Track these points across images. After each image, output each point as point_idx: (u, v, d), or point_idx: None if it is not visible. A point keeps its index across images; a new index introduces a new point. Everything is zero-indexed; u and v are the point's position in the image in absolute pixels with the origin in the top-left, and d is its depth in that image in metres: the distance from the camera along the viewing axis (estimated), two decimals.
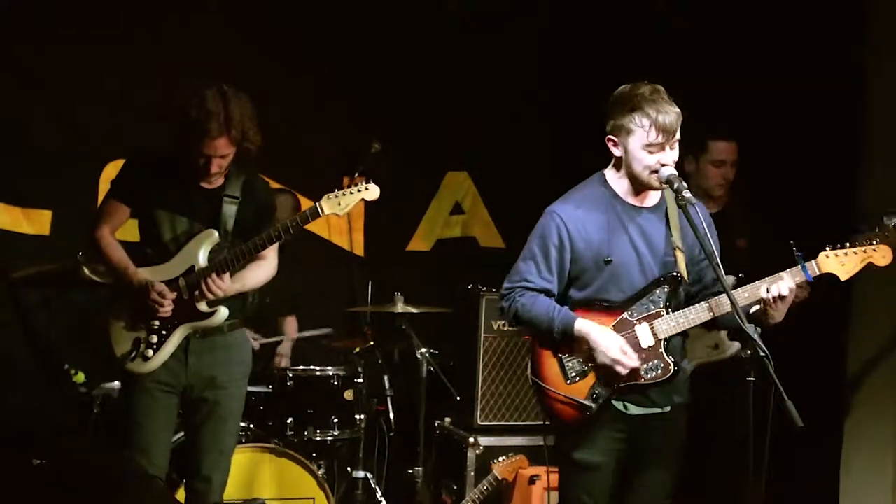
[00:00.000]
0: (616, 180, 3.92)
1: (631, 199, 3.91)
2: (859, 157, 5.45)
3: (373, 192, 4.38)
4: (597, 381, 3.84)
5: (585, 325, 3.82)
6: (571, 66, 6.20)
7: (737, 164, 5.17)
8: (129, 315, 4.30)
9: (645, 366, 3.84)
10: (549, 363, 3.90)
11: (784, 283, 3.76)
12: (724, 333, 4.95)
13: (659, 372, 3.86)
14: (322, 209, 4.32)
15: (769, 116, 5.62)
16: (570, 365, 3.87)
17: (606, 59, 5.94)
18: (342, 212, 4.36)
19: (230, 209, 4.34)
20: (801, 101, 5.53)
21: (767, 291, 3.76)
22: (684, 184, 3.76)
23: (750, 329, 3.66)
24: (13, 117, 5.51)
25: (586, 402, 3.83)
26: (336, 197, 4.33)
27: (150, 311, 4.26)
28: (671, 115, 3.77)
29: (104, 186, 5.56)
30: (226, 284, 4.29)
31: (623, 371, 3.79)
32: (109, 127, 5.58)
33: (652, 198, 3.94)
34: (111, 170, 5.65)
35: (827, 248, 3.81)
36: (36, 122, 5.58)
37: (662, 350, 3.86)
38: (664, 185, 3.81)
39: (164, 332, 4.29)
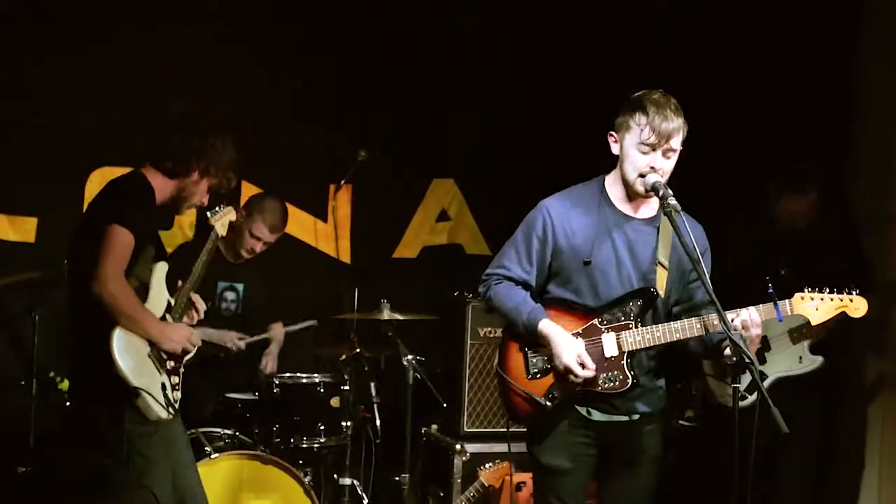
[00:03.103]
0: (612, 185, 3.93)
1: (623, 207, 3.91)
2: (850, 159, 5.51)
3: (233, 213, 4.44)
4: (555, 382, 3.86)
5: (549, 328, 3.82)
6: (568, 68, 6.19)
7: (816, 203, 5.15)
8: (149, 364, 4.05)
9: (604, 375, 3.84)
10: (515, 356, 3.93)
11: (752, 316, 3.72)
12: (807, 347, 5.05)
13: (616, 384, 3.85)
14: (219, 232, 4.36)
15: (765, 116, 5.66)
16: (534, 361, 3.89)
17: (605, 62, 5.95)
18: (224, 231, 4.38)
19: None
20: (797, 102, 5.57)
21: (732, 321, 3.72)
22: (669, 191, 3.76)
23: (736, 336, 3.67)
24: None
25: (541, 400, 3.85)
26: (218, 218, 4.36)
27: (178, 353, 4.13)
28: (671, 122, 3.77)
29: (90, 193, 5.53)
30: (203, 305, 4.30)
31: (574, 379, 3.79)
32: (95, 133, 5.56)
33: (647, 209, 3.93)
34: (97, 177, 5.63)
35: (805, 290, 3.83)
36: (21, 129, 5.55)
37: (624, 363, 3.85)
38: (650, 192, 3.82)
39: (179, 370, 4.18)
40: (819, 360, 5.05)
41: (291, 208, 6.10)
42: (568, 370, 3.79)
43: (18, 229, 5.68)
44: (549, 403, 3.85)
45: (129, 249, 3.94)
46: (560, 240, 3.86)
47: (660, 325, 3.85)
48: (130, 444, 3.99)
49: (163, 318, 4.15)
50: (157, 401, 4.01)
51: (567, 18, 6.25)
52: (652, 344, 3.84)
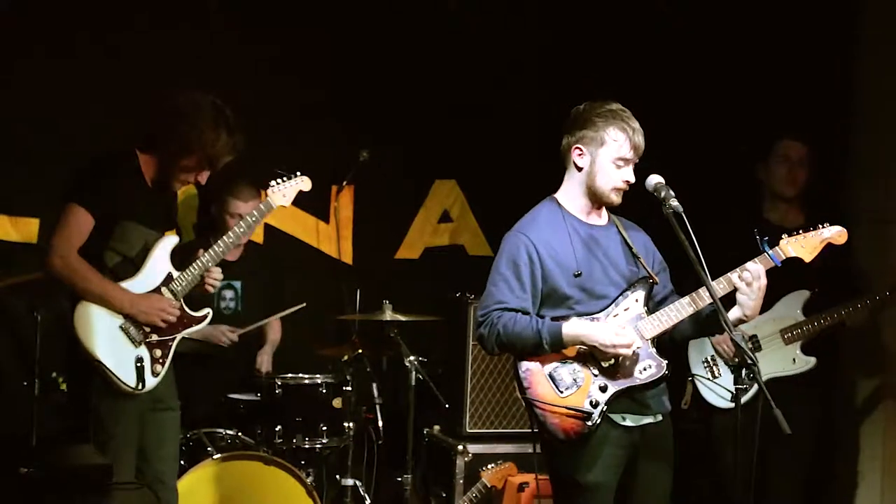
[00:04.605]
0: (570, 200, 3.99)
1: (585, 218, 3.99)
2: (846, 162, 5.50)
3: (306, 182, 4.58)
4: (592, 388, 3.85)
5: (575, 327, 3.83)
6: (569, 68, 6.19)
7: (807, 164, 5.21)
8: (120, 336, 4.18)
9: (638, 366, 3.86)
10: (539, 380, 3.87)
11: (754, 267, 3.83)
12: (799, 347, 5.05)
13: (654, 370, 3.88)
14: (273, 202, 4.49)
15: (765, 116, 5.66)
16: (561, 378, 3.86)
17: (606, 62, 5.94)
18: (288, 202, 4.53)
19: (176, 212, 4.45)
20: (796, 101, 5.57)
21: (740, 278, 3.82)
22: (671, 192, 3.82)
23: (738, 336, 3.69)
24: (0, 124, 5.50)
25: (587, 409, 3.81)
26: (279, 190, 4.51)
27: (155, 325, 4.21)
28: (641, 135, 3.91)
29: None
30: (220, 276, 4.36)
31: (627, 352, 3.80)
32: (99, 134, 5.56)
33: (602, 217, 4.03)
34: None
35: (785, 235, 3.97)
36: (23, 130, 5.55)
37: (652, 349, 3.90)
38: (651, 193, 3.86)
39: (169, 344, 4.26)
40: (812, 360, 5.04)
41: (293, 209, 6.10)
42: (617, 346, 3.79)
43: (21, 230, 5.67)
44: (595, 410, 3.81)
45: (82, 228, 4.11)
46: (547, 261, 3.88)
47: (671, 304, 3.90)
48: (97, 415, 4.13)
49: (157, 290, 4.23)
50: (116, 375, 4.10)
51: (567, 18, 6.25)
52: (670, 325, 3.90)
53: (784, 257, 3.94)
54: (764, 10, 5.72)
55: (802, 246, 3.97)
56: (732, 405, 4.94)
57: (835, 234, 4.01)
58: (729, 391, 4.89)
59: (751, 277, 3.81)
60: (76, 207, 4.14)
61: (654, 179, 3.88)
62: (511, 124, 6.33)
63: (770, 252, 3.91)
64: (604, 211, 4.04)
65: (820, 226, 4.01)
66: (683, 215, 3.77)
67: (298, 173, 4.59)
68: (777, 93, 5.68)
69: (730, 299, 3.88)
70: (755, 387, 4.89)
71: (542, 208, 4.02)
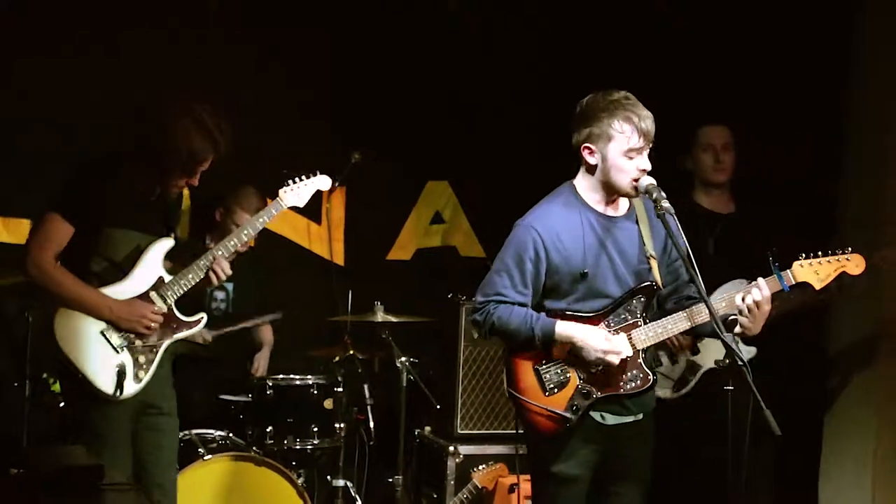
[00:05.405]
0: (587, 190, 3.92)
1: (602, 209, 3.92)
2: (846, 162, 5.52)
3: (325, 181, 4.52)
4: (576, 392, 3.85)
5: (567, 327, 3.83)
6: (565, 69, 6.19)
7: (732, 147, 5.18)
8: (101, 343, 4.14)
9: (625, 376, 3.85)
10: (526, 375, 3.89)
11: (759, 292, 3.79)
12: (740, 338, 5.01)
13: (638, 382, 3.87)
14: (283, 202, 4.43)
15: (762, 118, 5.68)
16: (549, 377, 3.86)
17: (603, 62, 5.95)
18: (302, 203, 4.46)
19: (176, 217, 4.39)
20: (792, 103, 5.58)
21: (743, 300, 3.79)
22: (663, 193, 3.79)
23: (728, 338, 3.68)
24: None
25: (566, 414, 3.83)
26: (293, 190, 4.44)
27: (136, 332, 4.17)
28: (649, 119, 3.80)
29: None
30: (228, 267, 4.32)
31: (615, 360, 3.78)
32: (90, 135, 5.56)
33: (622, 206, 3.96)
34: None
35: (801, 258, 3.87)
36: (15, 130, 5.55)
37: (641, 360, 3.88)
38: (643, 195, 3.83)
39: (154, 349, 4.22)
40: (753, 350, 4.97)
41: (285, 210, 6.10)
42: (607, 352, 3.78)
43: (13, 231, 5.67)
44: (574, 416, 3.83)
45: (60, 236, 4.10)
46: (553, 257, 3.85)
47: (668, 317, 3.87)
48: (86, 418, 4.13)
49: (145, 294, 4.19)
50: (92, 382, 4.08)
51: (565, 18, 6.26)
52: (664, 337, 3.88)
53: (794, 282, 3.85)
54: (764, 10, 5.72)
55: (816, 272, 3.85)
56: (674, 395, 4.96)
57: (853, 263, 3.87)
58: (671, 380, 4.90)
59: (753, 303, 3.77)
60: (55, 216, 4.12)
61: (646, 181, 3.82)
62: (504, 125, 6.34)
63: (780, 275, 3.82)
64: (623, 200, 3.95)
65: (839, 251, 3.88)
66: (675, 217, 3.76)
67: (318, 172, 4.52)
68: (776, 93, 5.68)
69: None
70: (695, 379, 4.93)
71: (558, 197, 3.94)
